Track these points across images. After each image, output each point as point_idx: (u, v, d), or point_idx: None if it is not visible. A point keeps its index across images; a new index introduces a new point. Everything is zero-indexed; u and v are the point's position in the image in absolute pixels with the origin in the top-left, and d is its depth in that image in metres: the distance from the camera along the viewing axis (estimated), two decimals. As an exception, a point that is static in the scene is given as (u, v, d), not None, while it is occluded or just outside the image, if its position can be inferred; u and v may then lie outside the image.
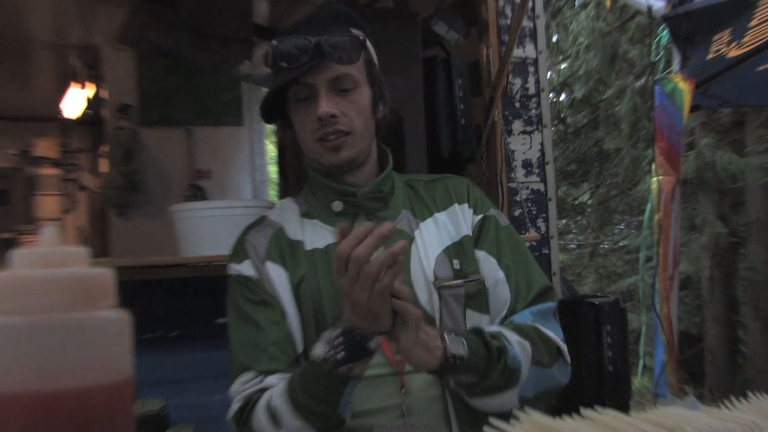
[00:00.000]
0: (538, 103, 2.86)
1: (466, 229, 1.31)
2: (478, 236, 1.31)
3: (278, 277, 1.26)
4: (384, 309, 1.01)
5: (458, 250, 1.28)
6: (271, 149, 5.75)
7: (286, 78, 1.22)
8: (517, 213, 2.78)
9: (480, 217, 1.33)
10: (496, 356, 1.13)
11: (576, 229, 10.72)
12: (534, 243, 2.72)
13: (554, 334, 1.25)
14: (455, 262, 1.27)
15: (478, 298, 1.26)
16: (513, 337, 1.18)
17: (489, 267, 1.28)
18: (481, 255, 1.30)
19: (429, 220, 1.32)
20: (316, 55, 1.20)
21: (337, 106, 1.23)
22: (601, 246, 9.99)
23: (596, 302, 2.39)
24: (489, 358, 1.12)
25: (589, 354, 2.38)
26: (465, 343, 1.10)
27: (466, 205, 1.34)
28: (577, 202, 10.24)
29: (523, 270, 1.30)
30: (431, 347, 1.07)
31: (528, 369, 1.17)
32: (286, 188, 3.27)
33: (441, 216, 1.33)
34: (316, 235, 1.30)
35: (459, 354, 1.09)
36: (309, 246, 1.29)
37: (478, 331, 1.15)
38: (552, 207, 2.83)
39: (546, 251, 2.82)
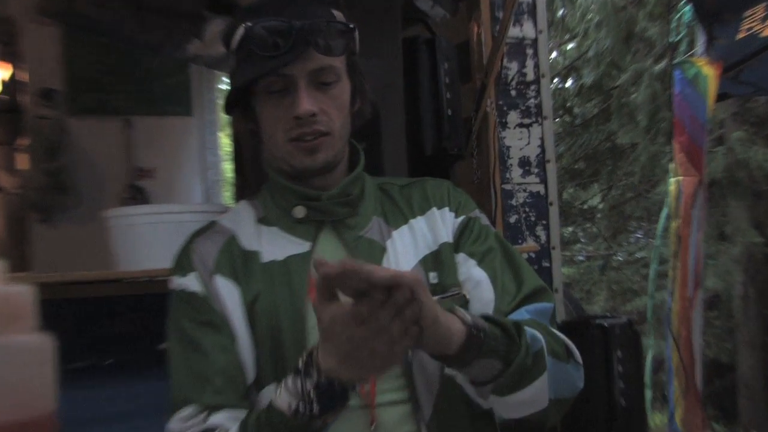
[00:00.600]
0: (538, 91, 2.89)
1: (446, 236, 1.34)
2: (459, 238, 1.34)
3: (229, 293, 1.26)
4: (407, 347, 1.00)
5: (436, 261, 1.31)
6: (225, 143, 5.74)
7: (263, 70, 1.23)
8: (512, 219, 2.82)
9: (462, 218, 1.36)
10: (515, 333, 1.13)
11: (584, 238, 10.78)
12: (532, 255, 2.76)
13: (555, 330, 1.26)
14: (432, 275, 1.29)
15: None
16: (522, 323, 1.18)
17: (468, 268, 1.31)
18: (460, 257, 1.33)
19: (403, 228, 1.35)
20: (299, 43, 1.22)
21: (317, 103, 1.25)
22: (614, 258, 10.06)
23: (605, 324, 2.40)
24: (507, 335, 1.12)
25: (598, 385, 2.41)
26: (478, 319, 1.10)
27: (446, 208, 1.37)
28: (585, 207, 10.31)
29: (511, 270, 1.32)
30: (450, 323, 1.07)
31: (547, 357, 1.17)
32: (243, 190, 3.27)
33: (417, 222, 1.35)
34: (275, 245, 1.31)
35: (480, 325, 1.09)
36: (266, 258, 1.30)
37: (482, 315, 1.14)
38: (554, 212, 2.86)
39: (546, 264, 2.85)
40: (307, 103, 1.23)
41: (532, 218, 2.84)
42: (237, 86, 1.27)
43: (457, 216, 1.36)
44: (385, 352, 0.97)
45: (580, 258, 10.58)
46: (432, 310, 1.01)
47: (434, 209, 1.36)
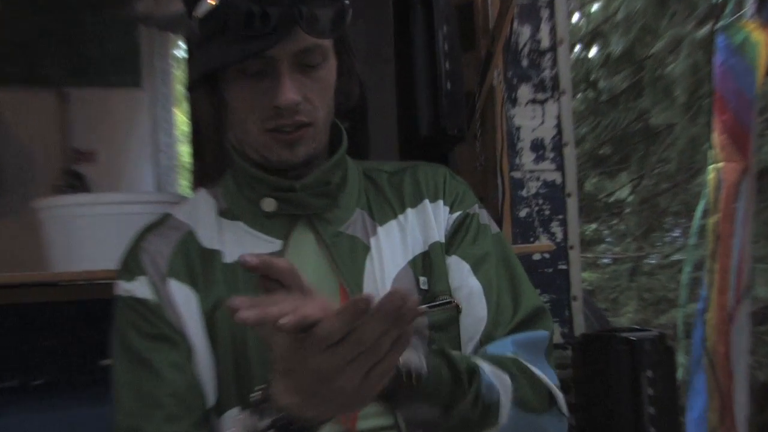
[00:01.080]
0: (554, 61, 2.89)
1: (438, 234, 1.36)
2: (453, 238, 1.36)
3: (185, 301, 1.27)
4: (377, 388, 0.98)
5: (426, 263, 1.33)
6: (181, 121, 5.70)
7: (243, 52, 1.20)
8: (523, 213, 2.79)
9: (458, 214, 1.38)
10: (466, 380, 1.13)
11: (611, 237, 10.72)
12: (546, 255, 2.76)
13: (543, 374, 1.27)
14: (422, 280, 1.31)
15: (448, 330, 1.31)
16: (485, 366, 1.19)
17: (461, 274, 1.33)
18: (452, 261, 1.35)
19: (391, 223, 1.36)
20: (285, 21, 1.19)
21: (300, 90, 1.25)
22: (646, 261, 10.01)
23: (632, 338, 2.38)
24: (456, 381, 1.12)
25: (623, 410, 2.40)
26: (422, 357, 1.09)
27: (440, 201, 1.38)
28: (612, 200, 10.25)
29: (509, 284, 1.34)
30: None
31: (508, 408, 1.18)
32: (202, 177, 3.26)
33: (407, 217, 1.37)
34: (239, 244, 1.32)
35: (416, 367, 1.07)
36: (229, 258, 1.31)
37: (439, 351, 1.14)
38: (573, 205, 2.83)
39: (563, 266, 2.83)
40: (290, 91, 1.23)
41: (547, 212, 2.81)
42: (208, 69, 1.26)
43: (452, 211, 1.38)
44: (364, 383, 0.94)
45: (605, 261, 10.52)
46: None
47: (426, 202, 1.38)
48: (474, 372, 1.14)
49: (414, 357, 1.07)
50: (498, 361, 1.22)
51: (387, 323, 0.89)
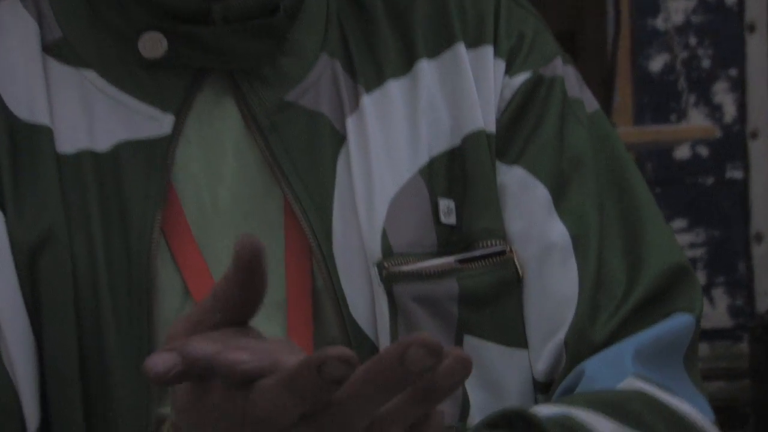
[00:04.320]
0: None
1: (482, 115, 1.04)
2: (512, 127, 1.05)
3: None
4: None
5: (455, 173, 1.05)
6: None
7: None
8: (656, 65, 2.13)
9: (524, 78, 1.06)
10: None
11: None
12: (702, 150, 2.13)
13: (692, 406, 0.96)
14: (445, 204, 1.03)
15: (495, 308, 1.02)
16: (609, 428, 0.91)
17: (529, 205, 1.04)
18: (512, 176, 1.05)
19: (389, 87, 1.05)
20: None
21: None
22: None
23: None
24: None
25: None
26: None
27: (489, 47, 1.07)
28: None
29: (621, 225, 1.03)
30: None
31: None
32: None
33: (421, 76, 1.07)
34: (87, 116, 1.04)
35: None
36: (67, 143, 1.02)
37: (527, 418, 0.87)
38: (759, 46, 2.18)
39: (735, 173, 2.17)
40: None
41: (706, 62, 2.22)
42: None
43: (511, 70, 1.05)
44: None
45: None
46: None
47: (460, 46, 1.06)
48: None
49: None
50: (618, 407, 0.92)
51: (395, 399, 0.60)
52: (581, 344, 0.99)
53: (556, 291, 1.01)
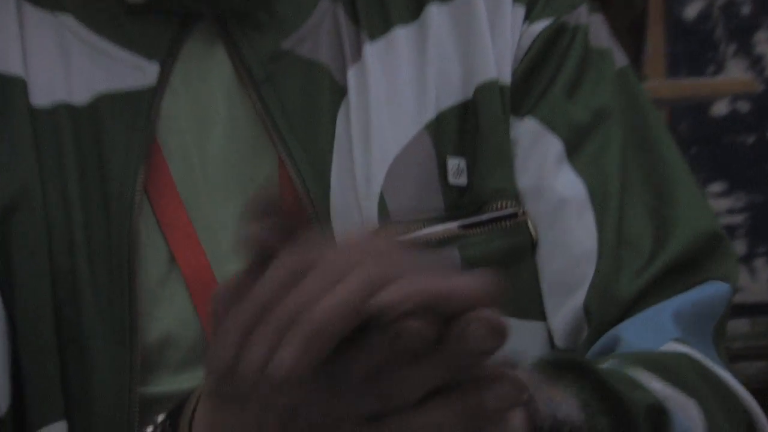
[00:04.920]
0: None
1: (494, 66, 1.03)
2: (530, 79, 1.04)
3: None
4: None
5: (466, 128, 1.03)
6: None
7: None
8: (691, 12, 2.32)
9: (544, 25, 1.03)
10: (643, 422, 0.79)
11: None
12: (741, 106, 2.29)
13: (730, 376, 0.95)
14: (454, 164, 1.02)
15: (507, 274, 0.97)
16: (663, 389, 0.85)
17: (543, 159, 1.02)
18: (526, 129, 1.03)
19: (395, 36, 1.04)
20: None
21: None
22: None
23: None
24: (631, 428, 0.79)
25: None
26: (575, 394, 0.75)
27: None
28: None
29: (646, 184, 1.01)
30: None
31: None
32: None
33: (428, 22, 1.05)
34: (64, 66, 1.04)
35: (565, 419, 0.72)
36: (42, 95, 1.01)
37: (582, 367, 0.79)
38: None
39: None
40: None
41: (745, 8, 2.29)
42: None
43: (531, 17, 1.03)
44: None
45: None
46: None
47: None
48: (659, 411, 0.81)
49: (567, 402, 0.74)
50: (668, 369, 0.88)
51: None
52: (606, 302, 0.96)
53: (573, 245, 0.98)
